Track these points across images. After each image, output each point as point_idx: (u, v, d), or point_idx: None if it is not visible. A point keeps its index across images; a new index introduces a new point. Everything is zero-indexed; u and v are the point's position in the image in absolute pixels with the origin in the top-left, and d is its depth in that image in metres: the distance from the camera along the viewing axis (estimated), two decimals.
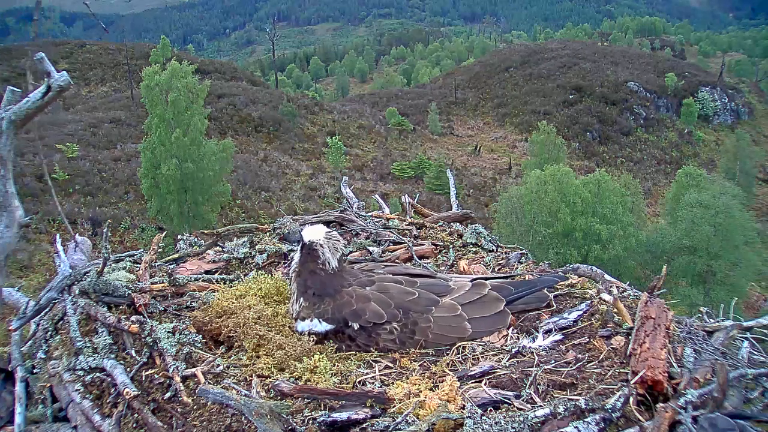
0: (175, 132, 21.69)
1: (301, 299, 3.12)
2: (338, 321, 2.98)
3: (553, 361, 2.64)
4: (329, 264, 3.11)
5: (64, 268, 3.57)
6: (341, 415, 2.29)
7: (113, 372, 2.66)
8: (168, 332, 2.88)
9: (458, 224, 4.75)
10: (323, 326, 3.01)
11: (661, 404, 2.24)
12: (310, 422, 2.29)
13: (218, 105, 39.61)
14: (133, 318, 3.00)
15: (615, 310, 2.95)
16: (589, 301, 3.14)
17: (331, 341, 2.98)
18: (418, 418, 2.27)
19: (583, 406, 2.21)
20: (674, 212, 26.72)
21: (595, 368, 2.57)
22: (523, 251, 4.17)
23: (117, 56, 51.79)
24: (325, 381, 2.60)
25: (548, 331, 2.95)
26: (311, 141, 41.93)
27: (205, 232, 4.55)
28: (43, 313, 3.24)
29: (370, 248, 4.21)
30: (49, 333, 3.09)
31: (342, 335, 2.98)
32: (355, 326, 2.95)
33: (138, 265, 3.78)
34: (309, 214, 5.13)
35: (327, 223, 4.78)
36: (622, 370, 2.50)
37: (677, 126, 55.25)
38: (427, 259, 4.17)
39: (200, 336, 3.02)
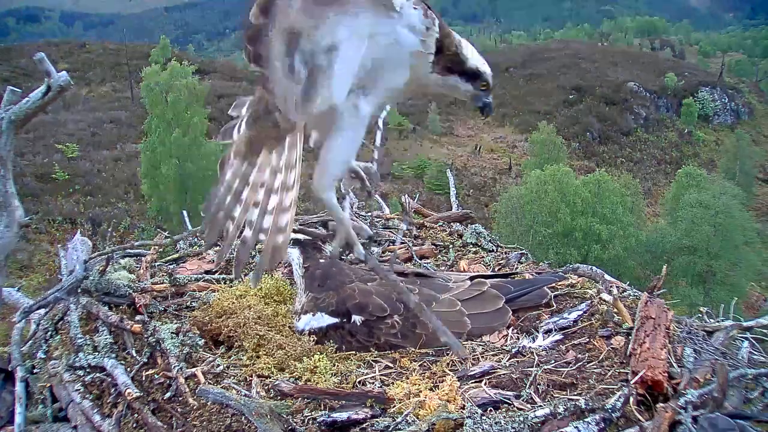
0: (175, 132, 21.70)
1: (306, 293, 3.17)
2: (341, 314, 3.00)
3: (553, 361, 2.64)
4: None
5: (78, 270, 3.45)
6: (341, 415, 2.29)
7: (113, 372, 2.66)
8: (172, 333, 2.88)
9: (458, 224, 4.75)
10: (326, 320, 3.02)
11: (661, 404, 2.24)
12: (310, 422, 2.29)
13: (218, 105, 39.58)
14: (137, 318, 3.01)
15: (615, 310, 2.95)
16: (589, 301, 3.14)
17: (331, 340, 2.99)
18: (418, 418, 2.27)
19: (583, 406, 2.21)
20: (674, 212, 26.72)
21: (595, 368, 2.57)
22: (523, 251, 4.17)
23: (117, 56, 51.79)
24: (325, 381, 2.60)
25: (548, 331, 2.95)
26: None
27: None
28: (43, 313, 3.23)
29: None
30: (49, 333, 3.09)
31: (342, 331, 2.99)
32: (358, 321, 2.97)
33: (138, 265, 3.78)
34: (309, 214, 5.12)
35: (327, 223, 4.77)
36: (622, 370, 2.50)
37: (677, 126, 55.23)
38: (427, 259, 4.17)
39: (202, 340, 3.01)
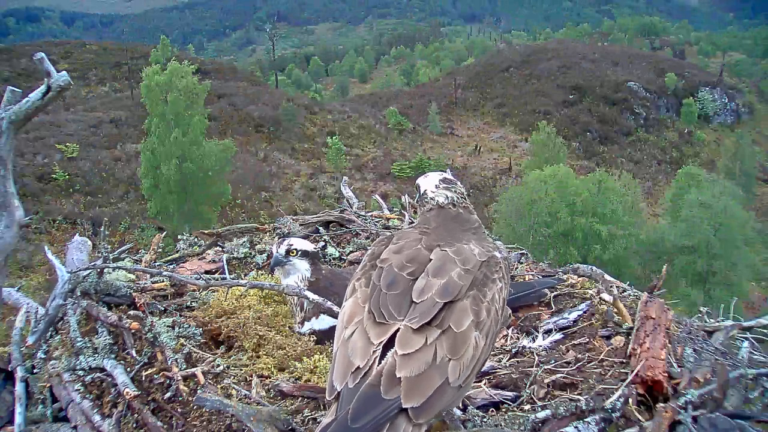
0: (174, 132, 21.71)
1: (306, 305, 3.15)
2: None
3: (553, 361, 2.64)
4: None
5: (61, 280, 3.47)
6: None
7: (113, 372, 2.66)
8: (168, 327, 2.89)
9: None
10: (327, 322, 3.01)
11: (661, 404, 2.24)
12: (310, 422, 2.29)
13: (218, 105, 39.58)
14: (131, 312, 3.01)
15: (615, 310, 2.94)
16: (589, 301, 3.14)
17: (332, 340, 2.98)
18: None
19: (583, 406, 2.21)
20: (674, 212, 26.72)
21: (595, 368, 2.57)
22: (523, 251, 4.17)
23: (117, 56, 51.80)
24: (325, 381, 2.59)
25: (548, 331, 2.95)
26: (311, 141, 41.90)
27: (205, 232, 4.56)
28: (44, 313, 3.23)
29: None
30: (49, 333, 3.09)
31: None
32: None
33: (138, 265, 3.78)
34: (309, 214, 5.12)
35: (327, 223, 4.77)
36: (622, 370, 2.50)
37: (677, 126, 55.24)
38: None
39: (200, 329, 3.01)
